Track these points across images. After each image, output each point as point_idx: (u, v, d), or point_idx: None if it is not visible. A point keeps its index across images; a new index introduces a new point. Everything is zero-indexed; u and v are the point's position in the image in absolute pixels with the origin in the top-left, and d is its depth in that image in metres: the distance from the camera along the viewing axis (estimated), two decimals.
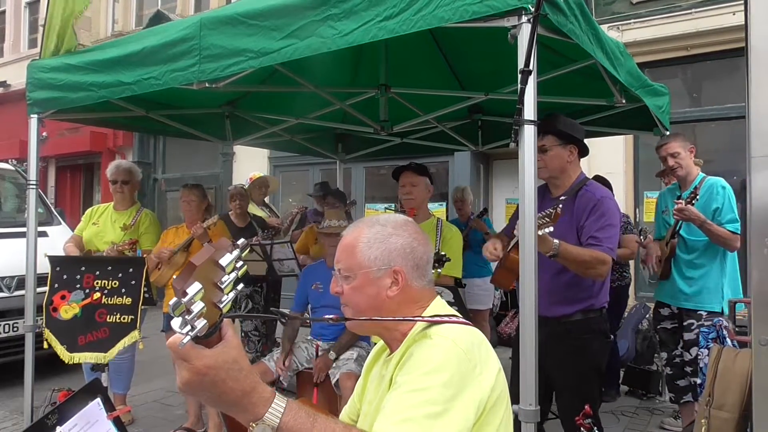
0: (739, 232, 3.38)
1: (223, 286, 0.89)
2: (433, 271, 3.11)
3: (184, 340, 0.85)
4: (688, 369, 3.54)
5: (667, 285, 3.64)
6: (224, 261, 0.89)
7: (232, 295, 0.91)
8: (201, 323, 0.84)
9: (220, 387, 0.91)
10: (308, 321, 3.64)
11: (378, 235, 1.35)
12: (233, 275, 0.90)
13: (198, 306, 0.83)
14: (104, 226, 4.19)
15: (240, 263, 0.91)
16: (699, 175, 3.60)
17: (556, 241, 2.34)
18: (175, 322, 0.85)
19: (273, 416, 0.94)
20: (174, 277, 0.95)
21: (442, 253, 3.08)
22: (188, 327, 0.84)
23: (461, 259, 3.52)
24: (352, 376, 3.19)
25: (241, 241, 0.95)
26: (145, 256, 3.96)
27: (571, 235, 2.56)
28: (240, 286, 0.93)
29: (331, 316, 1.35)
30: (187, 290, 0.82)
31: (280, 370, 3.44)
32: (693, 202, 3.32)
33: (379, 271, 1.32)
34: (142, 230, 4.20)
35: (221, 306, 0.89)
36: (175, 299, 0.82)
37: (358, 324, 1.38)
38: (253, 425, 0.94)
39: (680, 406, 3.72)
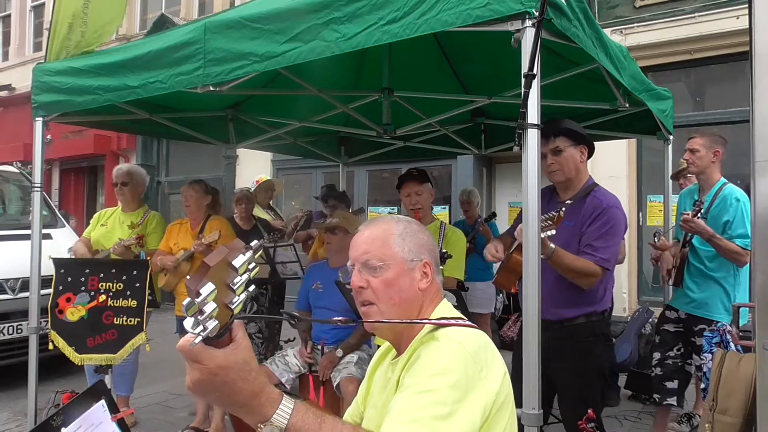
0: (749, 248, 3.19)
1: (235, 288, 0.89)
2: None
3: (196, 341, 0.86)
4: (699, 374, 3.44)
5: (680, 291, 3.58)
6: (237, 262, 0.89)
7: (243, 296, 0.91)
8: (212, 324, 0.85)
9: (230, 387, 0.91)
10: (317, 322, 3.62)
11: (408, 229, 1.39)
12: (245, 276, 0.91)
13: (210, 306, 0.84)
14: (112, 227, 4.24)
15: (252, 265, 0.92)
16: (720, 181, 3.46)
17: (552, 245, 2.34)
18: (188, 322, 0.86)
19: (281, 417, 0.94)
20: (187, 278, 0.95)
21: (444, 250, 3.10)
22: (200, 327, 0.84)
23: (464, 262, 3.52)
24: (353, 380, 3.18)
25: (254, 243, 0.95)
26: (149, 258, 3.98)
27: (576, 240, 2.57)
28: (251, 288, 0.93)
29: (339, 318, 1.36)
30: (201, 291, 0.83)
31: (306, 358, 3.47)
32: (698, 215, 3.22)
33: (413, 262, 1.36)
34: (150, 230, 4.23)
35: (233, 307, 0.89)
36: (188, 299, 0.83)
37: (375, 326, 1.38)
38: (261, 426, 0.94)
39: (659, 407, 3.67)
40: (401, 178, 3.56)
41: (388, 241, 1.36)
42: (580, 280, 2.50)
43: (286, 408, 0.95)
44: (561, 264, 2.43)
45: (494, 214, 5.39)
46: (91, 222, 4.41)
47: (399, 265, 1.34)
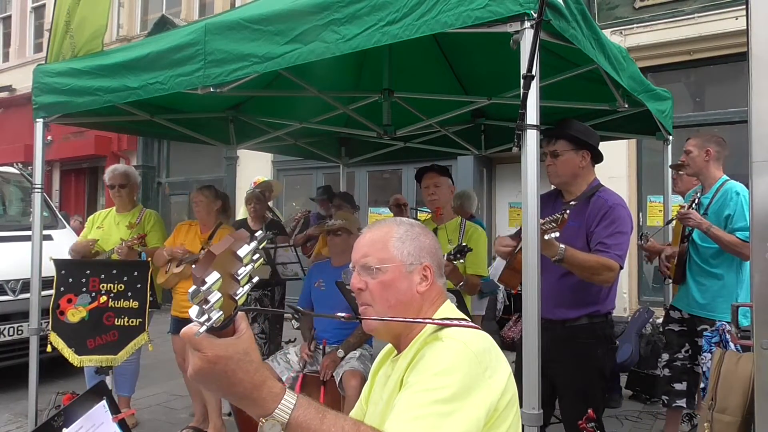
0: (749, 241, 3.22)
1: (239, 278, 0.89)
2: (456, 262, 3.11)
3: (200, 330, 0.86)
4: (701, 373, 3.44)
5: (683, 291, 3.56)
6: (242, 252, 0.89)
7: (247, 287, 0.91)
8: (217, 314, 0.85)
9: (230, 378, 0.91)
10: (320, 317, 3.62)
11: (409, 233, 1.40)
12: (249, 267, 0.91)
13: (215, 296, 0.84)
14: (109, 228, 4.21)
15: (257, 256, 0.92)
16: (721, 179, 3.45)
17: (561, 246, 2.33)
18: (193, 311, 0.86)
19: (283, 412, 0.94)
20: (193, 267, 0.96)
21: (464, 244, 3.10)
22: (205, 317, 0.85)
23: (486, 258, 3.53)
24: (356, 374, 3.20)
25: (258, 233, 0.96)
26: (149, 259, 3.98)
27: (580, 240, 2.55)
28: (255, 279, 0.93)
29: (343, 314, 1.35)
30: (206, 279, 0.83)
31: (306, 356, 3.44)
32: (693, 206, 3.26)
33: (412, 266, 1.36)
34: (149, 228, 4.20)
35: (236, 298, 0.89)
36: (194, 287, 0.83)
37: (373, 327, 1.39)
38: (263, 420, 0.93)
39: (670, 410, 3.67)
40: (421, 170, 3.61)
41: (387, 244, 1.37)
42: (599, 277, 2.45)
43: (288, 402, 0.95)
44: (575, 263, 2.40)
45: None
46: (86, 226, 4.39)
47: (397, 268, 1.35)
